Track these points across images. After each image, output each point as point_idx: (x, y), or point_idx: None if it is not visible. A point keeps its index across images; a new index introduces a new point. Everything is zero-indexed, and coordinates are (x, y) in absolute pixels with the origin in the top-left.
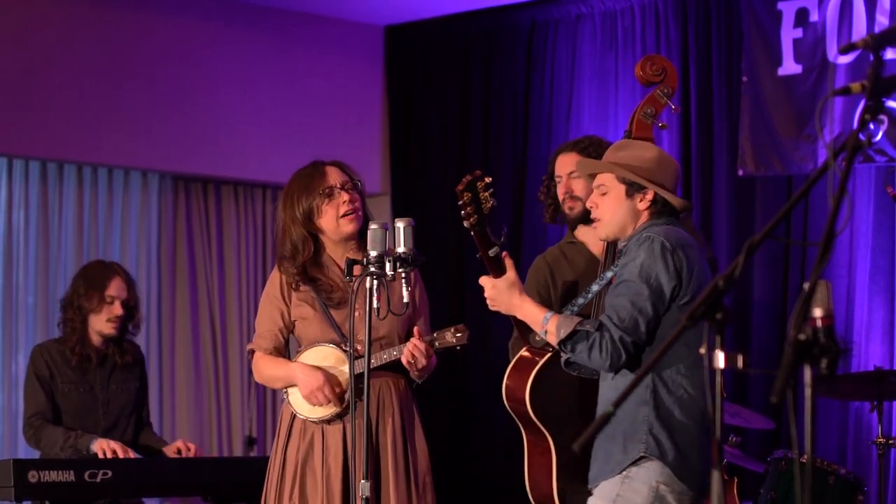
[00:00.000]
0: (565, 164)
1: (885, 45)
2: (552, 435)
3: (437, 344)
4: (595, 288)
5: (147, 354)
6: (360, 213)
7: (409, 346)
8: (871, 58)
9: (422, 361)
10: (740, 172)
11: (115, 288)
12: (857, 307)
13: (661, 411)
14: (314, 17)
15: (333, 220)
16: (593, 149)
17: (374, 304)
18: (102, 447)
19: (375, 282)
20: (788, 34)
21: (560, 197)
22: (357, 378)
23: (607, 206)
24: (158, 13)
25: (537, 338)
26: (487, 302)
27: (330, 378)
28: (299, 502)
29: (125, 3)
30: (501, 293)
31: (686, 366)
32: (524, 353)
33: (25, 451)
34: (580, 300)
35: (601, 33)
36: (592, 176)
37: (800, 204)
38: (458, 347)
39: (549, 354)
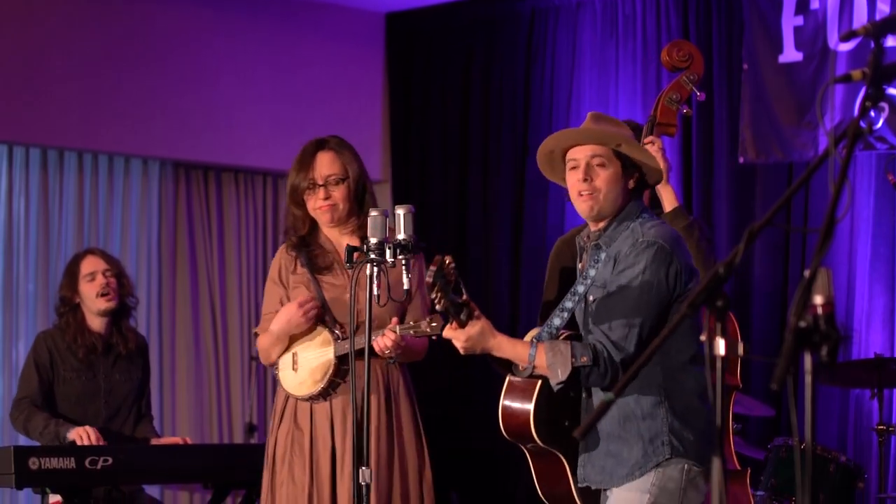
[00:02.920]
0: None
1: (885, 33)
2: (564, 453)
3: (412, 333)
4: (580, 289)
5: (147, 341)
6: (338, 206)
7: (381, 335)
8: (872, 45)
9: (391, 352)
10: (741, 160)
11: (88, 266)
12: (857, 294)
13: (677, 407)
14: (315, 5)
15: (313, 209)
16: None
17: (375, 291)
18: (80, 433)
19: (376, 268)
20: (789, 22)
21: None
22: (342, 359)
23: (605, 179)
24: (159, 1)
25: (521, 367)
26: (460, 351)
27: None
28: (288, 483)
29: None
30: (476, 341)
31: (688, 352)
32: (509, 383)
33: (26, 439)
34: (567, 303)
35: (602, 21)
36: (562, 152)
37: (800, 191)
38: (433, 337)
39: (539, 382)
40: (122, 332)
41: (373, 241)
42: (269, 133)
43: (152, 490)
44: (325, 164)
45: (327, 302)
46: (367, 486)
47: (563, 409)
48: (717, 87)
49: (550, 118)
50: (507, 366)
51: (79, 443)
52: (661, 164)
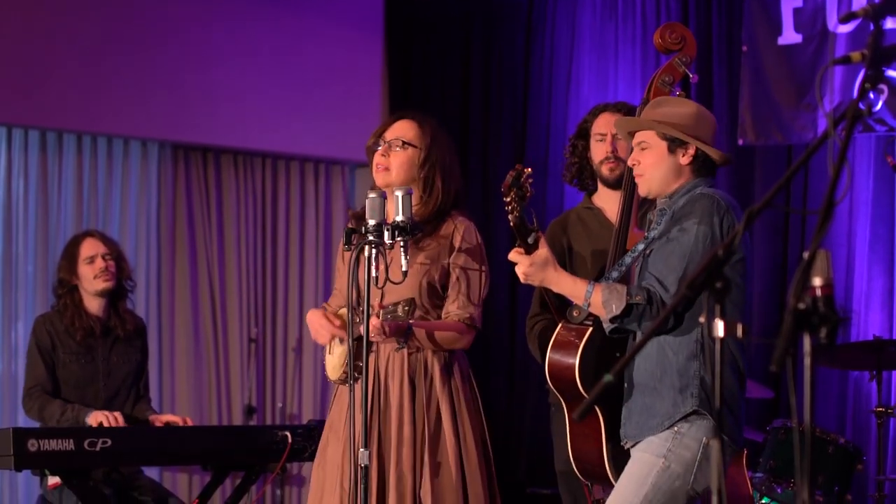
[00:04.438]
0: (610, 123)
1: (885, 14)
2: (600, 407)
3: (389, 317)
4: (628, 260)
5: (146, 323)
6: (392, 171)
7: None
8: (872, 27)
9: (374, 336)
10: (740, 142)
11: (87, 248)
12: (856, 276)
13: (710, 364)
14: None
15: (373, 168)
16: (632, 114)
17: (374, 273)
18: (98, 419)
19: (374, 250)
20: (788, 3)
21: (600, 157)
22: (360, 343)
23: (649, 161)
24: None
25: (575, 313)
26: (520, 277)
27: (330, 316)
28: (320, 465)
29: None
30: (537, 269)
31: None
32: (562, 329)
33: (25, 420)
34: (614, 273)
35: (601, 4)
36: (628, 136)
37: (799, 173)
38: (410, 320)
39: (590, 329)
40: (120, 315)
41: (371, 222)
42: (268, 115)
43: (151, 472)
44: (400, 127)
45: (359, 282)
46: (366, 467)
47: (607, 360)
48: (717, 69)
49: (549, 100)
50: (562, 312)
51: (105, 425)
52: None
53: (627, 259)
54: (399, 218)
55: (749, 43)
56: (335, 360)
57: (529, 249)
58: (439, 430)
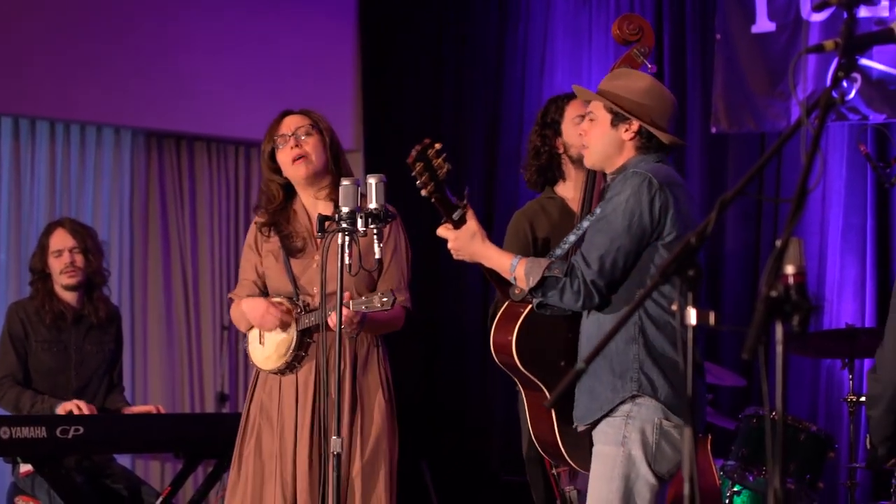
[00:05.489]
0: (580, 107)
1: (858, 3)
2: (545, 383)
3: (364, 308)
4: (572, 238)
5: (119, 311)
6: (311, 156)
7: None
8: (845, 15)
9: (345, 327)
10: (713, 130)
11: (56, 241)
12: (829, 264)
13: (652, 348)
14: None
15: (288, 166)
16: None
17: (346, 261)
18: (68, 408)
19: (347, 238)
20: None
21: (572, 138)
22: (306, 332)
23: (594, 133)
24: None
25: (516, 291)
26: (452, 252)
27: (275, 303)
28: (255, 454)
29: None
30: (464, 243)
31: (668, 300)
32: (506, 307)
33: None
34: (557, 251)
35: None
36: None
37: (772, 161)
38: (385, 311)
39: (530, 305)
40: (94, 302)
41: (344, 210)
42: (241, 103)
43: (123, 459)
44: (293, 120)
45: (295, 273)
46: (339, 455)
47: (557, 347)
48: (690, 57)
49: (523, 86)
50: (505, 291)
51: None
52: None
53: (572, 237)
54: (373, 205)
55: (722, 31)
56: (269, 350)
57: (457, 225)
58: (373, 419)
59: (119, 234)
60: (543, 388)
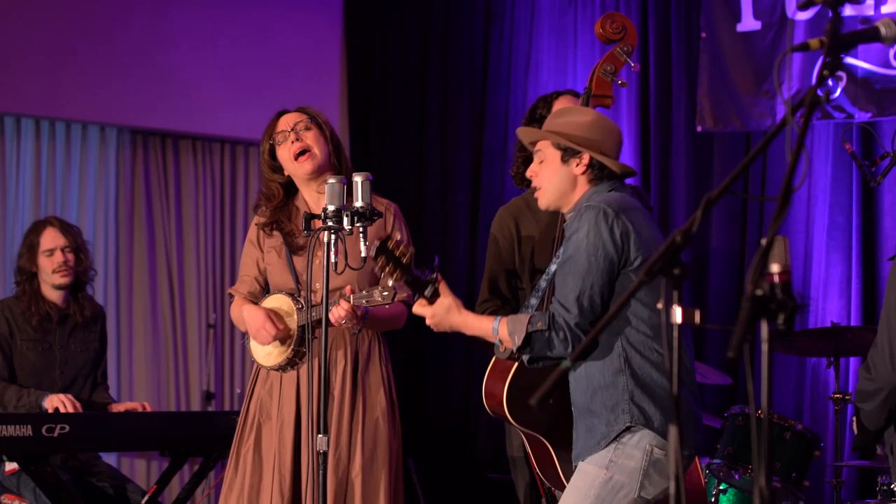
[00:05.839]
0: (569, 102)
1: (843, 2)
2: (544, 435)
3: (365, 302)
4: (553, 268)
5: (104, 310)
6: (314, 150)
7: (337, 305)
8: (830, 14)
9: (346, 322)
10: (699, 128)
11: (48, 240)
12: (814, 263)
13: (638, 377)
14: None
15: (290, 162)
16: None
17: (332, 259)
18: (54, 404)
19: (333, 236)
20: None
21: None
22: (304, 329)
23: (545, 173)
24: None
25: (501, 349)
26: (432, 327)
27: (274, 317)
28: (254, 450)
29: None
30: (441, 318)
31: (650, 326)
32: (495, 362)
33: None
34: (542, 283)
35: None
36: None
37: (758, 160)
38: (386, 305)
39: (516, 364)
40: (79, 302)
41: (330, 208)
42: (226, 100)
43: (109, 458)
44: (291, 117)
45: (297, 270)
46: (324, 453)
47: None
48: (676, 56)
49: (509, 84)
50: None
51: (62, 410)
52: None
53: (542, 283)
54: (359, 203)
55: (708, 29)
56: (270, 347)
57: (431, 301)
58: (375, 416)
59: (104, 232)
60: (546, 441)
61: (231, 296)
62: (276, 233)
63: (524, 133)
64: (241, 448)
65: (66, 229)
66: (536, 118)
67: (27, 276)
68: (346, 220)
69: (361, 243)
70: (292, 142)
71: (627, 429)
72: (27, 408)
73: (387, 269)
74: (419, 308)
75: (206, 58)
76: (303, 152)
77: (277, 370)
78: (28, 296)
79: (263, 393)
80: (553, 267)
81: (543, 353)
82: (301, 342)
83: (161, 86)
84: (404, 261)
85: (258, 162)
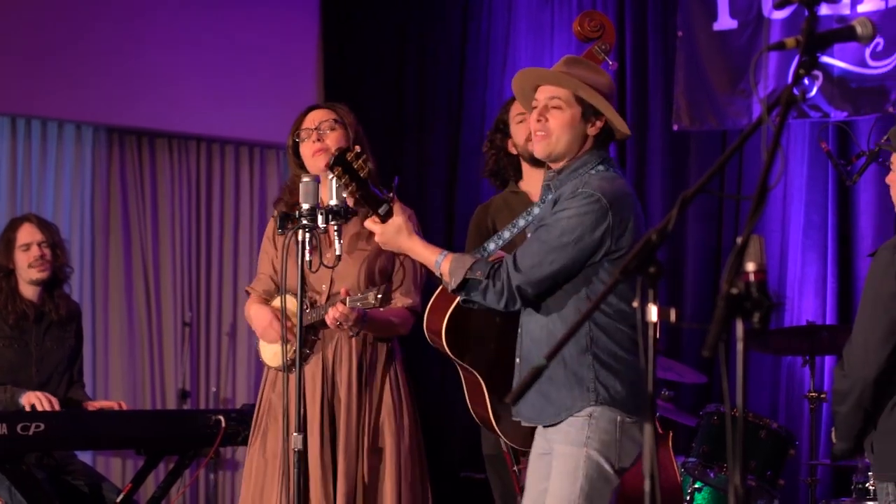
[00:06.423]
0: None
1: (819, 1)
2: (476, 369)
3: (359, 304)
4: (521, 223)
5: (80, 308)
6: (332, 150)
7: (334, 308)
8: (806, 13)
9: (343, 324)
10: (675, 127)
11: (24, 235)
12: (790, 262)
13: (604, 355)
14: None
15: (310, 159)
16: None
17: (307, 258)
18: (31, 401)
19: (308, 234)
20: None
21: (525, 136)
22: (309, 330)
23: (559, 122)
24: None
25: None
26: (380, 245)
27: (280, 316)
28: (260, 449)
29: None
30: (390, 237)
31: (616, 310)
32: (442, 289)
33: None
34: (506, 233)
35: None
36: (524, 96)
37: (734, 158)
38: (380, 308)
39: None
40: (55, 300)
41: (304, 206)
42: (202, 99)
43: (85, 456)
44: (317, 115)
45: (304, 270)
46: (299, 452)
47: (491, 332)
48: (652, 55)
49: (485, 84)
50: None
51: (39, 408)
52: None
53: (506, 233)
54: (332, 202)
55: (684, 28)
56: (277, 347)
57: (384, 219)
58: (380, 417)
59: (80, 230)
60: (475, 373)
61: (248, 293)
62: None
63: (547, 75)
64: (250, 450)
65: (44, 225)
66: (499, 126)
67: (4, 273)
68: (320, 219)
69: (336, 242)
70: (314, 141)
71: (593, 406)
72: (3, 405)
73: (343, 180)
74: (370, 223)
75: (183, 56)
76: (320, 151)
77: (281, 370)
78: (4, 293)
79: (273, 396)
80: (521, 221)
81: (476, 299)
82: (304, 343)
83: (137, 84)
84: (362, 174)
85: (234, 160)
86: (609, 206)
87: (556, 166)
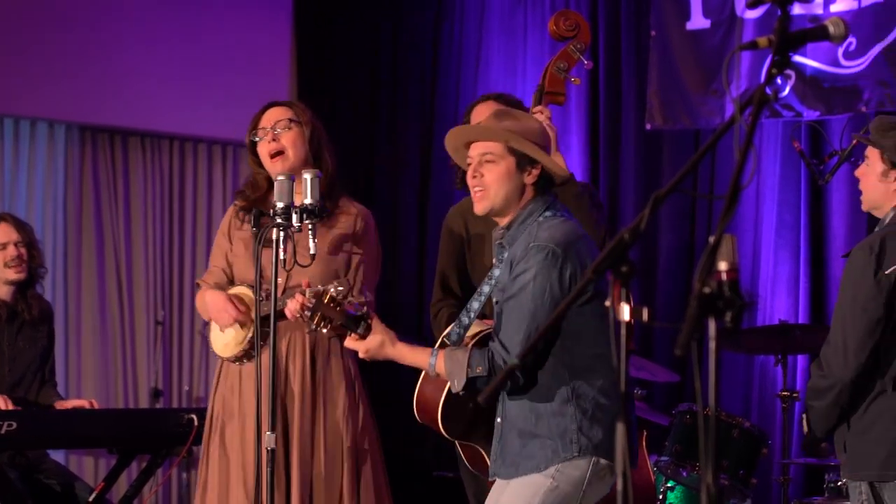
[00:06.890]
0: (483, 112)
1: (792, 0)
2: (478, 444)
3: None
4: (486, 289)
5: (53, 306)
6: (288, 152)
7: (293, 300)
8: (779, 13)
9: (302, 316)
10: (648, 126)
11: (1, 234)
12: (762, 261)
13: (585, 405)
14: None
15: (266, 160)
16: (513, 104)
17: (282, 256)
18: None
19: (282, 233)
20: None
21: None
22: (264, 321)
23: (494, 176)
24: None
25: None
26: (366, 359)
27: (235, 300)
28: (219, 447)
29: None
30: (375, 353)
31: (594, 354)
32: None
33: None
34: (475, 304)
35: None
36: (457, 151)
37: (707, 158)
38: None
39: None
40: (28, 299)
41: (279, 205)
42: (175, 98)
43: (57, 455)
44: (273, 113)
45: (263, 263)
46: (272, 451)
47: (479, 413)
48: (625, 54)
49: (458, 84)
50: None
51: None
52: (550, 133)
53: (475, 304)
54: (308, 200)
55: (658, 27)
56: (228, 337)
57: (364, 336)
58: (336, 412)
59: (53, 229)
60: (476, 447)
61: (198, 286)
62: (246, 224)
63: (474, 131)
64: (209, 447)
65: (20, 225)
66: None
67: None
68: (294, 217)
69: (311, 240)
70: (269, 141)
71: (574, 457)
72: None
73: (321, 325)
74: (351, 342)
75: (155, 55)
76: (278, 153)
77: (234, 362)
78: None
79: (226, 391)
80: (486, 288)
81: (482, 389)
82: (260, 335)
83: (109, 83)
84: (338, 309)
85: (207, 159)
86: (564, 254)
87: (502, 222)
